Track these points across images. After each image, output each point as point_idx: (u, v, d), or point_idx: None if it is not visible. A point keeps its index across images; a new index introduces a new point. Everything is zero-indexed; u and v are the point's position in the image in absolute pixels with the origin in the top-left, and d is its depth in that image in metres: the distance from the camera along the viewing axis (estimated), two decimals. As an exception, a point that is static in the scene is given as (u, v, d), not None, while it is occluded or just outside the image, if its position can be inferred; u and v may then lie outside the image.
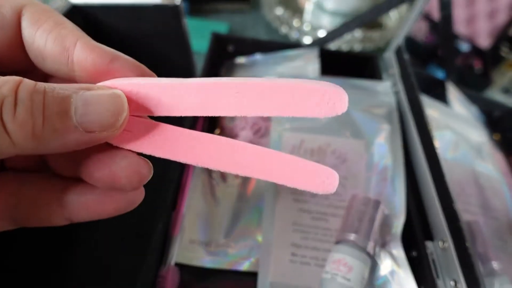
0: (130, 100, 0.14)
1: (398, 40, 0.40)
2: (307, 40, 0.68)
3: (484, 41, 0.62)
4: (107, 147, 0.15)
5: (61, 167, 0.16)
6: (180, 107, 0.14)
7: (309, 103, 0.13)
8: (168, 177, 0.32)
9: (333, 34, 0.42)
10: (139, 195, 0.16)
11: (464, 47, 0.62)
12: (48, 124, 0.12)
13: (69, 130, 0.12)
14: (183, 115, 0.14)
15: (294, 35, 0.72)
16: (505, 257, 0.32)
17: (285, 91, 0.14)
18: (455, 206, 0.28)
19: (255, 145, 0.15)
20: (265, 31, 0.75)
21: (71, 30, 0.15)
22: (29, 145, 0.12)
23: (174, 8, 0.42)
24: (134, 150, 0.15)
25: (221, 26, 0.69)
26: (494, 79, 0.60)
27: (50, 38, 0.14)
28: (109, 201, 0.15)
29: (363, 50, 0.71)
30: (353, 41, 0.71)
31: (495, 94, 0.57)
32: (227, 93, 0.14)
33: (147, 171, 0.15)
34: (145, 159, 0.15)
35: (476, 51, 0.62)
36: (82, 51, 0.14)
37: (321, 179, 0.14)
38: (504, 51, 0.61)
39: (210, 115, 0.14)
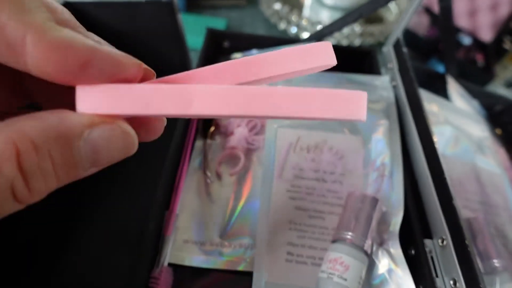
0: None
1: (397, 34, 0.40)
2: (306, 36, 0.67)
3: (486, 35, 0.61)
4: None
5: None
6: (188, 106, 0.13)
7: (330, 107, 0.13)
8: (161, 175, 0.31)
9: (331, 28, 0.41)
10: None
11: (466, 40, 0.61)
12: (61, 178, 0.12)
13: (81, 174, 0.12)
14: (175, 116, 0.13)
15: (292, 31, 0.71)
16: (506, 254, 0.31)
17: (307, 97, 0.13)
18: (454, 203, 0.27)
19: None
20: (263, 27, 0.75)
21: (15, 12, 0.10)
22: (43, 196, 0.12)
23: (169, 4, 0.41)
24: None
25: (218, 22, 0.69)
26: (497, 73, 0.59)
27: None
28: None
29: (362, 45, 0.70)
30: (352, 35, 0.70)
31: (497, 88, 0.56)
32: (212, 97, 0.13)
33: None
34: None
35: (478, 44, 0.61)
36: (37, 52, 0.10)
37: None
38: (506, 44, 0.60)
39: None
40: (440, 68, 0.54)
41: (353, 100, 0.13)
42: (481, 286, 0.23)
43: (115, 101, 0.12)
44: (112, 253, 0.31)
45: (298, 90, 0.13)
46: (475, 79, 0.59)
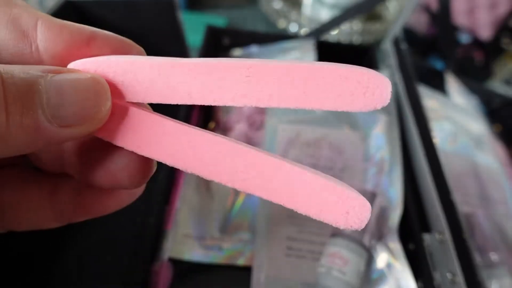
0: (114, 84, 0.12)
1: (395, 31, 0.40)
2: (305, 33, 0.67)
3: (485, 33, 0.61)
4: (98, 141, 0.12)
5: (45, 164, 0.14)
6: (176, 93, 0.11)
7: (341, 92, 0.10)
8: (161, 170, 0.31)
9: (329, 25, 0.41)
10: (141, 188, 0.14)
11: (465, 38, 0.61)
12: (13, 121, 0.10)
13: (41, 126, 0.10)
14: (179, 102, 0.12)
15: (292, 29, 0.71)
16: (504, 249, 0.31)
17: (310, 76, 0.11)
18: (452, 197, 0.27)
19: (263, 153, 0.12)
20: (264, 25, 0.75)
21: (25, 8, 0.11)
22: None
23: (169, 2, 0.41)
24: (118, 144, 0.12)
25: (219, 21, 0.69)
26: (495, 71, 0.60)
27: (2, 21, 0.11)
28: (108, 198, 0.14)
29: (362, 42, 0.70)
30: (352, 33, 0.71)
31: (496, 85, 0.57)
32: (235, 76, 0.11)
33: (150, 168, 0.13)
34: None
35: (477, 42, 0.61)
36: (48, 33, 0.11)
37: (344, 209, 0.11)
38: (505, 42, 0.60)
39: (212, 103, 0.11)
40: (440, 66, 0.54)
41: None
42: (478, 279, 0.23)
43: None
44: (112, 247, 0.31)
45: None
46: (474, 77, 0.59)
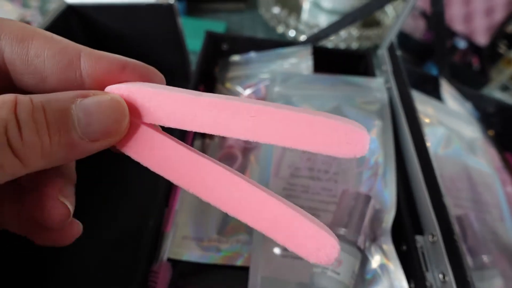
0: (141, 107, 0.14)
1: (391, 37, 0.41)
2: (303, 39, 0.68)
3: (482, 39, 0.62)
4: (35, 191, 0.15)
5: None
6: (191, 122, 0.14)
7: (329, 140, 0.13)
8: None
9: (326, 31, 0.42)
10: (73, 232, 0.17)
11: (462, 44, 0.62)
12: (54, 141, 0.12)
13: (75, 142, 0.12)
14: (194, 130, 0.14)
15: (291, 34, 0.72)
16: (496, 251, 0.32)
17: (305, 124, 0.13)
18: (444, 200, 0.28)
19: (256, 189, 0.14)
20: (262, 31, 0.76)
21: (68, 42, 0.14)
22: (39, 163, 0.12)
23: (169, 7, 0.42)
24: (133, 157, 0.14)
25: (218, 26, 0.70)
26: (492, 77, 0.60)
27: (49, 53, 0.13)
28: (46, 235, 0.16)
29: (360, 48, 0.71)
30: (350, 39, 0.72)
31: (493, 91, 0.57)
32: (242, 115, 0.13)
33: (63, 214, 0.15)
34: (63, 203, 0.15)
35: (473, 48, 0.62)
36: (90, 62, 0.14)
37: (316, 247, 0.13)
38: (502, 48, 0.61)
39: (222, 134, 0.13)
40: (436, 71, 0.55)
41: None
42: (468, 279, 0.24)
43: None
44: (112, 249, 0.32)
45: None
46: (471, 83, 0.60)
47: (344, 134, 0.12)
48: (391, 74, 0.40)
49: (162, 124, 0.14)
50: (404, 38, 0.68)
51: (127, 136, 0.14)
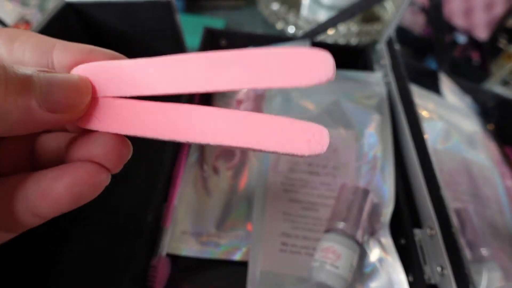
0: (99, 82, 0.14)
1: (389, 32, 0.41)
2: (302, 34, 0.68)
3: (482, 33, 0.61)
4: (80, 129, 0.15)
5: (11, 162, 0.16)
6: (149, 85, 0.14)
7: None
8: (160, 170, 0.32)
9: (325, 26, 0.42)
10: (105, 178, 0.16)
11: (462, 39, 0.62)
12: (10, 97, 0.12)
13: (32, 108, 0.12)
14: (154, 94, 0.14)
15: (290, 30, 0.72)
16: (495, 244, 0.32)
17: (261, 60, 0.12)
18: (442, 193, 0.28)
19: (227, 110, 0.13)
20: (262, 27, 0.76)
21: (48, 37, 0.15)
22: None
23: (167, 4, 0.42)
24: (102, 130, 0.15)
25: (217, 23, 0.70)
26: (493, 71, 0.60)
27: (28, 46, 0.14)
28: (73, 185, 0.15)
29: (359, 43, 0.71)
30: (349, 35, 0.71)
31: (493, 86, 0.57)
32: (192, 66, 0.13)
33: (126, 149, 0.15)
34: (123, 136, 0.15)
35: (474, 43, 0.61)
36: (61, 51, 0.15)
37: (305, 138, 0.12)
38: (502, 42, 0.61)
39: (182, 92, 0.13)
40: (435, 66, 0.55)
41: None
42: (466, 272, 0.24)
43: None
44: (111, 244, 0.32)
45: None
46: (471, 77, 0.60)
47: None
48: (389, 68, 0.40)
49: (120, 95, 0.14)
50: (403, 33, 0.68)
51: (90, 111, 0.14)
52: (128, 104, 0.14)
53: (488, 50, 0.61)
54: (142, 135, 0.14)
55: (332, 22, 0.41)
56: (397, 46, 0.40)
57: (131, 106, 0.14)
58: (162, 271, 0.28)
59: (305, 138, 0.12)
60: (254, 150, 0.13)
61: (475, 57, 0.62)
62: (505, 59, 0.61)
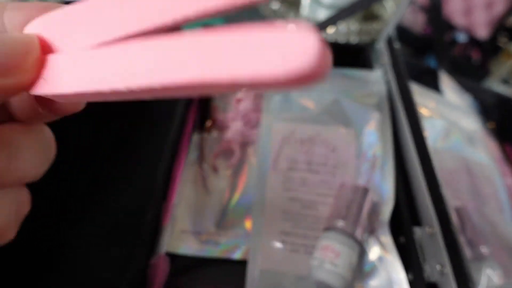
0: (54, 37, 0.12)
1: (389, 30, 0.41)
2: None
3: (482, 32, 0.61)
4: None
5: None
6: (108, 26, 0.11)
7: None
8: (158, 169, 0.32)
9: (324, 24, 0.42)
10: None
11: (462, 38, 0.62)
12: None
13: None
14: (114, 36, 0.11)
15: (290, 29, 0.72)
16: (495, 243, 0.32)
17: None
18: (442, 191, 0.28)
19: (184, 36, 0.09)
20: (261, 26, 0.76)
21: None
22: None
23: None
24: (49, 93, 0.12)
25: (215, 22, 0.70)
26: (493, 70, 0.60)
27: None
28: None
29: (358, 42, 0.71)
30: (349, 33, 0.71)
31: (493, 85, 0.57)
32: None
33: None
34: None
35: (474, 42, 0.61)
36: (12, 11, 0.14)
37: (278, 51, 0.08)
38: (502, 41, 0.61)
39: (146, 27, 0.10)
40: (435, 65, 0.55)
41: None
42: (465, 270, 0.24)
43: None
44: (110, 243, 0.32)
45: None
46: (472, 76, 0.59)
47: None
48: (389, 66, 0.39)
49: (80, 46, 0.12)
50: (403, 32, 0.68)
51: (41, 75, 0.12)
52: (76, 58, 0.12)
53: (488, 49, 0.61)
54: (99, 89, 0.11)
55: (331, 21, 0.41)
56: (396, 45, 0.40)
57: (79, 59, 0.12)
58: (161, 270, 0.28)
59: (277, 51, 0.08)
60: (205, 85, 0.09)
61: (475, 56, 0.62)
62: (505, 57, 0.60)
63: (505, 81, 0.58)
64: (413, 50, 0.68)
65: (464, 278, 0.24)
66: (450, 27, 0.61)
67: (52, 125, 0.17)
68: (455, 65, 0.60)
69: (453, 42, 0.63)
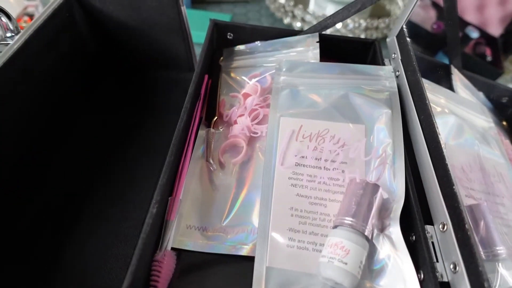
0: None
1: (401, 24, 0.40)
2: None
3: (496, 29, 0.60)
4: None
5: None
6: None
7: None
8: (164, 164, 0.32)
9: (333, 19, 0.41)
10: None
11: (474, 34, 0.61)
12: None
13: None
14: None
15: (297, 25, 0.71)
16: (509, 242, 0.31)
17: None
18: (455, 189, 0.27)
19: None
20: (268, 22, 0.75)
21: None
22: None
23: (173, -4, 0.41)
24: None
25: (223, 18, 0.69)
26: (506, 67, 0.59)
27: None
28: None
29: (369, 38, 0.70)
30: (358, 30, 0.70)
31: (507, 82, 0.56)
32: None
33: None
34: None
35: (487, 39, 0.60)
36: None
37: None
38: (516, 36, 0.59)
39: None
40: (447, 61, 0.54)
41: None
42: (480, 269, 0.23)
43: None
44: (117, 240, 0.32)
45: None
46: (484, 74, 0.58)
47: None
48: (400, 61, 0.39)
49: None
50: (414, 28, 0.67)
51: None
52: None
53: (502, 46, 0.60)
54: None
55: (340, 16, 0.40)
56: (408, 39, 0.39)
57: None
58: (167, 266, 0.28)
59: None
60: None
61: (488, 53, 0.61)
62: (520, 54, 0.59)
63: (519, 80, 0.57)
64: (423, 47, 0.67)
65: (479, 277, 0.23)
66: (462, 23, 0.60)
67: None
68: (467, 62, 0.59)
69: (465, 38, 0.61)
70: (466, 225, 0.25)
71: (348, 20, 0.68)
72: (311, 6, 0.73)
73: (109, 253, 0.31)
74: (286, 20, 0.73)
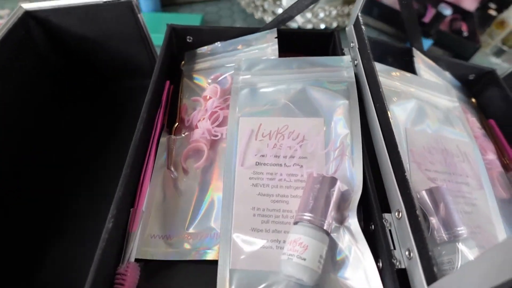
0: None
1: (356, 13, 0.39)
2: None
3: (471, 3, 0.60)
4: None
5: None
6: None
7: None
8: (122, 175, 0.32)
9: (288, 13, 0.41)
10: None
11: (447, 11, 0.60)
12: None
13: None
14: None
15: (269, 19, 0.71)
16: (473, 221, 0.31)
17: None
18: (407, 175, 0.27)
19: None
20: (240, 18, 0.75)
21: None
22: None
23: (128, 4, 0.41)
24: None
25: (194, 19, 0.69)
26: (484, 41, 0.58)
27: None
28: None
29: (340, 26, 0.70)
30: (329, 18, 0.70)
31: (486, 57, 0.55)
32: None
33: None
34: None
35: (463, 14, 0.60)
36: None
37: None
38: (491, 9, 0.59)
39: None
40: (427, 44, 0.53)
41: None
42: (430, 254, 0.23)
43: None
44: (77, 254, 0.32)
45: None
46: (462, 49, 0.58)
47: None
48: (357, 50, 0.38)
49: None
50: (386, 10, 0.66)
51: None
52: None
53: (478, 20, 0.59)
54: None
55: (295, 10, 0.40)
56: (363, 27, 0.38)
57: None
58: (130, 278, 0.28)
59: None
60: None
61: (465, 28, 0.60)
62: (497, 26, 0.58)
63: (499, 52, 0.57)
64: (395, 30, 0.66)
65: (429, 261, 0.23)
66: (435, 0, 0.59)
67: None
68: (444, 39, 0.58)
69: (439, 16, 0.61)
70: (417, 211, 0.25)
71: (319, 10, 0.68)
72: (284, 0, 0.73)
73: (69, 268, 0.32)
74: (258, 15, 0.72)
